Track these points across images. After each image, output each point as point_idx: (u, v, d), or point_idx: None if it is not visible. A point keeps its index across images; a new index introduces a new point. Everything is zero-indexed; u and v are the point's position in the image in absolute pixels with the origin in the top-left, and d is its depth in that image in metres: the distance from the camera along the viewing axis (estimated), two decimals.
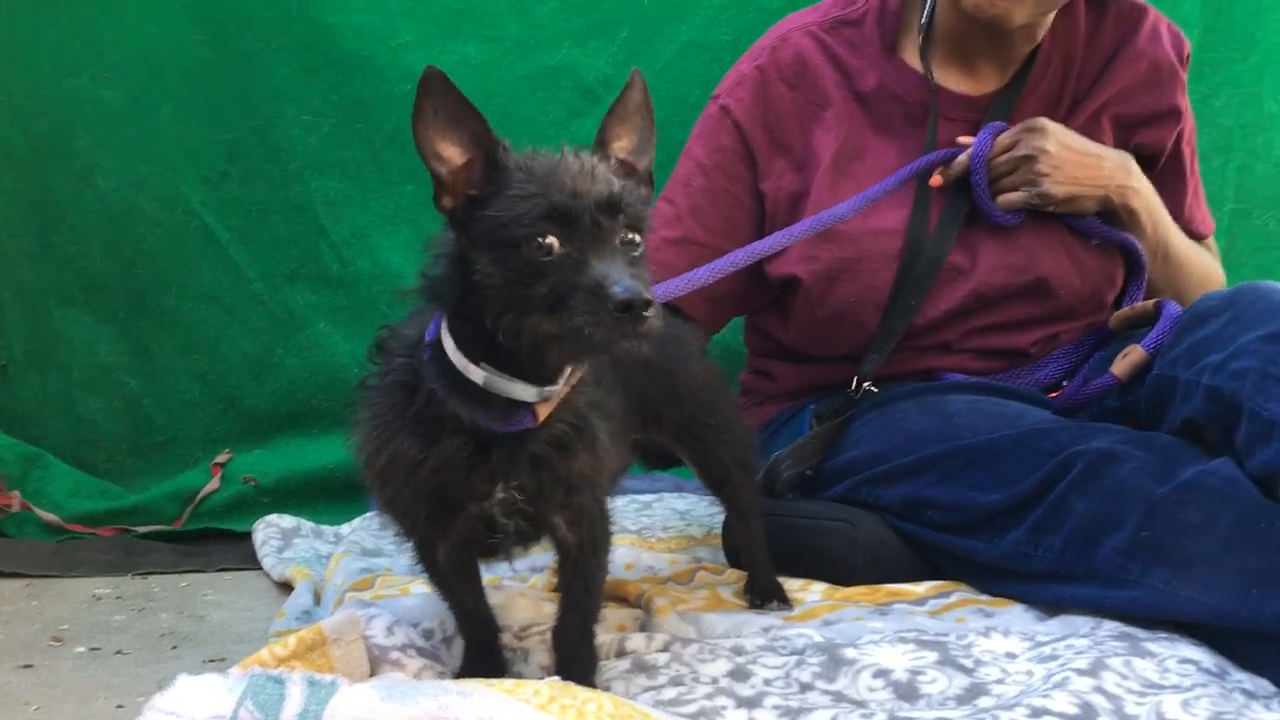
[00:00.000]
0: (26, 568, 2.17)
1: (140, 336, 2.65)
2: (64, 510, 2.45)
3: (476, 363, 1.18)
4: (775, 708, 1.26)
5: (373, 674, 1.35)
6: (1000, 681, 1.33)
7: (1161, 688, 1.26)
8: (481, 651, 1.41)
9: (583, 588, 1.35)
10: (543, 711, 1.08)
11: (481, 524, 1.26)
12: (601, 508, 1.35)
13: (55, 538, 2.39)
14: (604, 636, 1.45)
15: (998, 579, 1.66)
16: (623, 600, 1.71)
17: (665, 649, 1.43)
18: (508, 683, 1.13)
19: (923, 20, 2.03)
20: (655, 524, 2.25)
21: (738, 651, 1.43)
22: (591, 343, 1.08)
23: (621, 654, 1.44)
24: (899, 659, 1.37)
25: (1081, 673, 1.26)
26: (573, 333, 1.08)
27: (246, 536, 2.35)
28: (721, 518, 1.90)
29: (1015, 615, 1.59)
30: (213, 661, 1.68)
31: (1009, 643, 1.43)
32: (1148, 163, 2.05)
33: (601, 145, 1.23)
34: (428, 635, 1.47)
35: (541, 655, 1.44)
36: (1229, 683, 1.31)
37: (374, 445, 1.26)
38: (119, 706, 1.49)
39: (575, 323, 1.07)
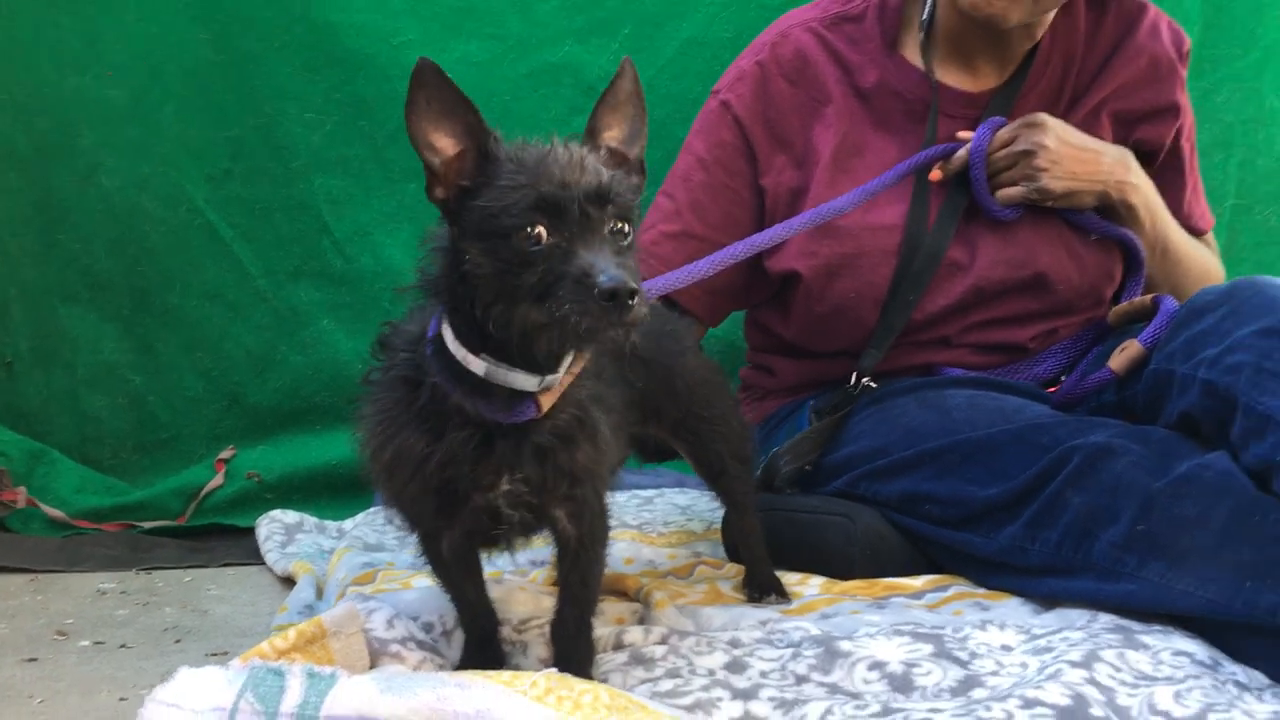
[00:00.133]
0: (32, 563, 2.18)
1: (144, 334, 2.67)
2: (69, 506, 2.46)
3: (477, 354, 1.19)
4: (771, 699, 1.27)
5: (372, 666, 1.36)
6: (995, 674, 1.34)
7: (1154, 679, 1.27)
8: (481, 644, 1.42)
9: (580, 581, 1.36)
10: (539, 703, 1.09)
11: (486, 516, 1.28)
12: (601, 501, 1.36)
13: (60, 533, 2.40)
14: (602, 630, 1.46)
15: (995, 573, 1.67)
16: (622, 594, 1.72)
17: (663, 642, 1.44)
18: (505, 674, 1.14)
19: (923, 17, 2.03)
20: (656, 519, 2.26)
21: (734, 644, 1.44)
22: (578, 331, 1.09)
23: (619, 647, 1.45)
24: (894, 651, 1.38)
25: (1075, 664, 1.27)
26: (560, 321, 1.09)
27: (250, 532, 2.36)
28: (722, 513, 1.91)
29: (1011, 609, 1.60)
30: (215, 655, 1.69)
31: (1005, 635, 1.44)
32: (1147, 158, 2.06)
33: (592, 135, 1.24)
34: (428, 628, 1.48)
35: (540, 648, 1.45)
36: (1222, 675, 1.32)
37: (379, 440, 1.27)
38: (122, 699, 1.50)
39: (562, 312, 1.09)
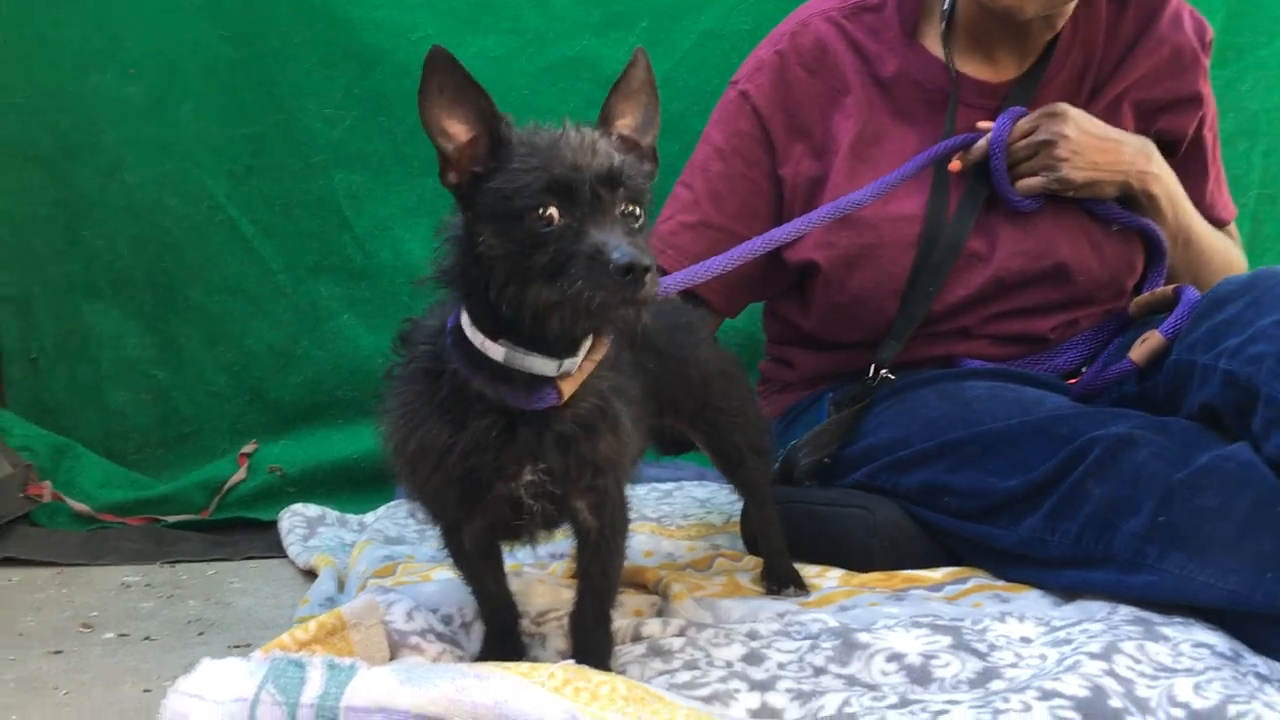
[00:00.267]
0: (57, 556, 2.21)
1: (167, 330, 2.69)
2: (94, 500, 2.49)
3: (495, 340, 1.20)
4: (788, 691, 1.27)
5: (392, 658, 1.37)
6: (1014, 665, 1.33)
7: (1174, 671, 1.26)
8: (501, 636, 1.43)
9: (600, 573, 1.36)
10: (557, 694, 1.09)
11: (509, 506, 1.28)
12: (622, 493, 1.36)
13: (86, 527, 2.43)
14: (620, 622, 1.47)
15: (1015, 565, 1.66)
16: (641, 587, 1.72)
17: (681, 634, 1.44)
18: (523, 666, 1.15)
19: (944, 7, 2.02)
20: (675, 511, 2.26)
21: (752, 636, 1.44)
22: (590, 308, 1.10)
23: (637, 639, 1.45)
24: (913, 643, 1.38)
25: (1094, 656, 1.27)
26: (572, 299, 1.10)
27: (273, 525, 2.37)
28: (740, 506, 1.91)
29: (1031, 600, 1.59)
30: (238, 647, 1.71)
31: (1024, 627, 1.44)
32: (1169, 149, 2.04)
33: (605, 122, 1.25)
34: (447, 621, 1.49)
35: (559, 640, 1.46)
36: (1243, 666, 1.31)
37: (403, 432, 1.27)
38: (146, 690, 1.51)
39: (574, 289, 1.10)
